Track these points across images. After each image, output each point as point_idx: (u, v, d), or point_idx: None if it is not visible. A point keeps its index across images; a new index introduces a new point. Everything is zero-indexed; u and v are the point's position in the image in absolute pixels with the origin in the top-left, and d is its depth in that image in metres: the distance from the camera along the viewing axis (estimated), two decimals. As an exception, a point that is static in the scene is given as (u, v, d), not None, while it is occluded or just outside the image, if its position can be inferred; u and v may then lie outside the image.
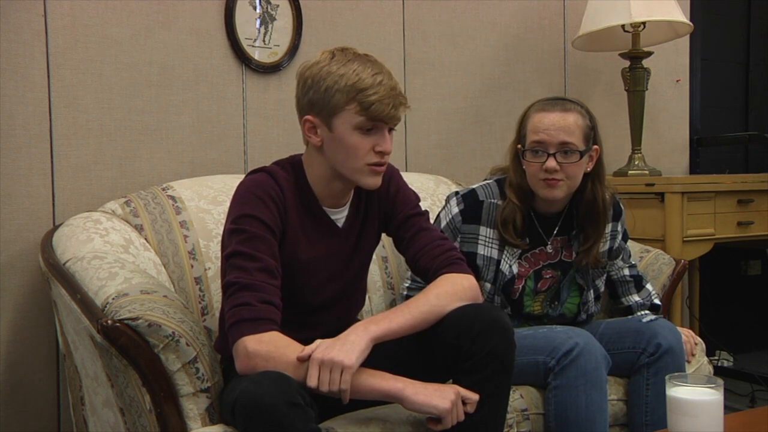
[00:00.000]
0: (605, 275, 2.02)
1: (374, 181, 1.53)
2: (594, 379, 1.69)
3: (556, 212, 1.92)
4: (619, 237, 2.00)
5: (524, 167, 1.87)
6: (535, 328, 1.83)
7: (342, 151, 1.49)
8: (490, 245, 1.88)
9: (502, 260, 1.88)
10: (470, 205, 1.89)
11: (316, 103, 1.48)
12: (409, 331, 1.43)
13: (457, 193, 1.93)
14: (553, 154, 1.79)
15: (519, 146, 1.88)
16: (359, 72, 1.45)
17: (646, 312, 2.03)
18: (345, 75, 1.45)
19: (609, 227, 1.95)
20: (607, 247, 1.97)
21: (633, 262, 2.09)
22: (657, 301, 2.08)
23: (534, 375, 1.75)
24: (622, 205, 2.01)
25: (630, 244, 2.26)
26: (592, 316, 2.00)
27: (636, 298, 2.06)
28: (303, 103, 1.51)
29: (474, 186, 1.93)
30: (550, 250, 1.92)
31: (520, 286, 1.89)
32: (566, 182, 1.81)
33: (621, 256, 2.05)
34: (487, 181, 1.94)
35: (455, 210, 1.89)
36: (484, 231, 1.88)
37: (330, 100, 1.46)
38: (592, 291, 1.96)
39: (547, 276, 1.92)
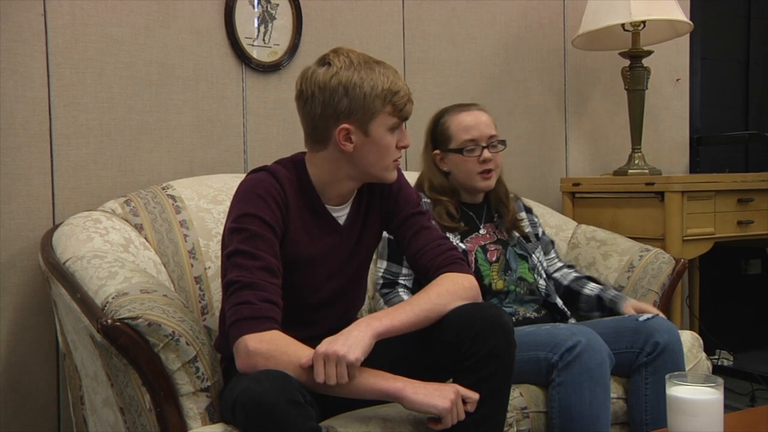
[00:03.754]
0: (539, 249, 2.16)
1: (395, 175, 1.59)
2: (598, 376, 1.70)
3: (479, 203, 2.13)
4: (540, 229, 2.23)
5: (445, 165, 2.06)
6: (538, 326, 1.84)
7: (375, 153, 1.52)
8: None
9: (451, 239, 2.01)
10: None
11: (356, 109, 1.48)
12: (410, 328, 1.43)
13: None
14: (486, 147, 2.03)
15: (436, 152, 2.08)
16: (386, 75, 1.49)
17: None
18: (378, 79, 1.47)
19: (523, 215, 2.21)
20: (529, 230, 2.18)
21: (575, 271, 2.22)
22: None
23: (536, 371, 1.75)
24: (528, 205, 2.28)
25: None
26: (550, 281, 2.15)
27: (594, 284, 2.15)
28: (335, 111, 1.48)
29: None
30: (484, 232, 2.08)
31: (473, 258, 2.01)
32: (496, 171, 2.06)
33: (553, 252, 2.22)
34: None
35: None
36: None
37: (370, 105, 1.47)
38: (534, 257, 2.12)
39: (492, 249, 2.06)
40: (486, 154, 2.02)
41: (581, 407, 1.68)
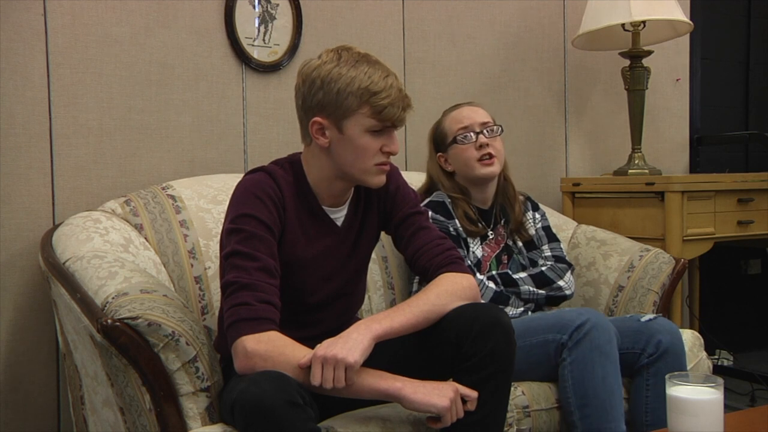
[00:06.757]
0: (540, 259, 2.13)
1: (380, 180, 1.55)
2: (608, 352, 1.72)
3: (487, 209, 2.11)
4: (539, 224, 2.17)
5: (449, 165, 2.07)
6: (543, 312, 1.87)
7: (351, 152, 1.50)
8: (460, 234, 2.02)
9: (471, 245, 2.03)
10: (437, 206, 2.01)
11: (328, 105, 1.47)
12: (410, 329, 1.43)
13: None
14: (480, 132, 2.03)
15: (439, 154, 2.10)
16: (370, 74, 1.45)
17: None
18: (357, 77, 1.45)
19: (530, 215, 2.17)
20: (533, 232, 2.14)
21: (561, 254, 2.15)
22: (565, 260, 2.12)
23: (546, 354, 1.75)
24: (534, 202, 2.23)
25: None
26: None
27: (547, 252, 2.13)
28: (311, 104, 1.49)
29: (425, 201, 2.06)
30: (492, 237, 2.08)
31: (487, 266, 2.03)
32: (497, 158, 2.04)
33: (548, 242, 2.15)
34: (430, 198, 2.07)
35: (430, 214, 1.96)
36: (455, 224, 2.01)
37: (342, 102, 1.46)
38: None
39: (504, 261, 2.08)
40: (482, 138, 2.03)
41: (595, 382, 1.69)
